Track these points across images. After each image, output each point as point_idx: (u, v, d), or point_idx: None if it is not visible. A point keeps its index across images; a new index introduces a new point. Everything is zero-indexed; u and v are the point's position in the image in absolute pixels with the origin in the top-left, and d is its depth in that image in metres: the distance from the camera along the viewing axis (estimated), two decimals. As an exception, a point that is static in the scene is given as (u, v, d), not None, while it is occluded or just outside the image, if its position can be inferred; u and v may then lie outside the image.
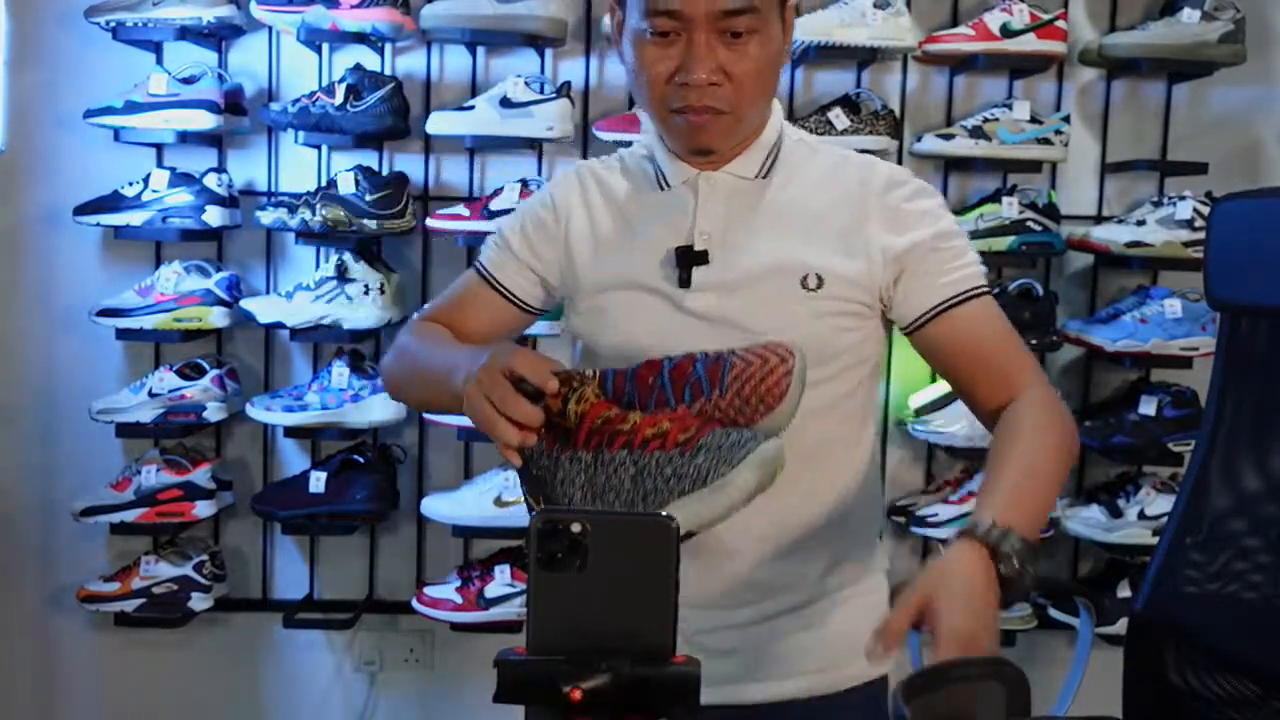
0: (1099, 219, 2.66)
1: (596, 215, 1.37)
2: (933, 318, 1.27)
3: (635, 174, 1.38)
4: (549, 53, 2.58)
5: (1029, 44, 2.49)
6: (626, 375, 1.10)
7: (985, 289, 1.29)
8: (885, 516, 2.59)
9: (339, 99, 2.42)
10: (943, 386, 2.60)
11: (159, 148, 2.56)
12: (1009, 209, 2.51)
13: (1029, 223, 2.51)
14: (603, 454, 0.98)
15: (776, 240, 1.28)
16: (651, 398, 1.07)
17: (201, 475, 2.49)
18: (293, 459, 2.66)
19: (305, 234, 2.47)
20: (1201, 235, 2.12)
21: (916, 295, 1.27)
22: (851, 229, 1.28)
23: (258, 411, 2.46)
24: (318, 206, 2.41)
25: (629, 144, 2.67)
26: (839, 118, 2.48)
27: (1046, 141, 2.53)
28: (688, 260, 1.28)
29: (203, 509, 2.49)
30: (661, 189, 1.34)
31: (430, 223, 2.47)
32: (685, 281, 1.28)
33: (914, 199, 1.30)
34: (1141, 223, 2.51)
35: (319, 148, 2.57)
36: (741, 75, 1.22)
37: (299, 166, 2.60)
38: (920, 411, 2.57)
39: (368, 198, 2.43)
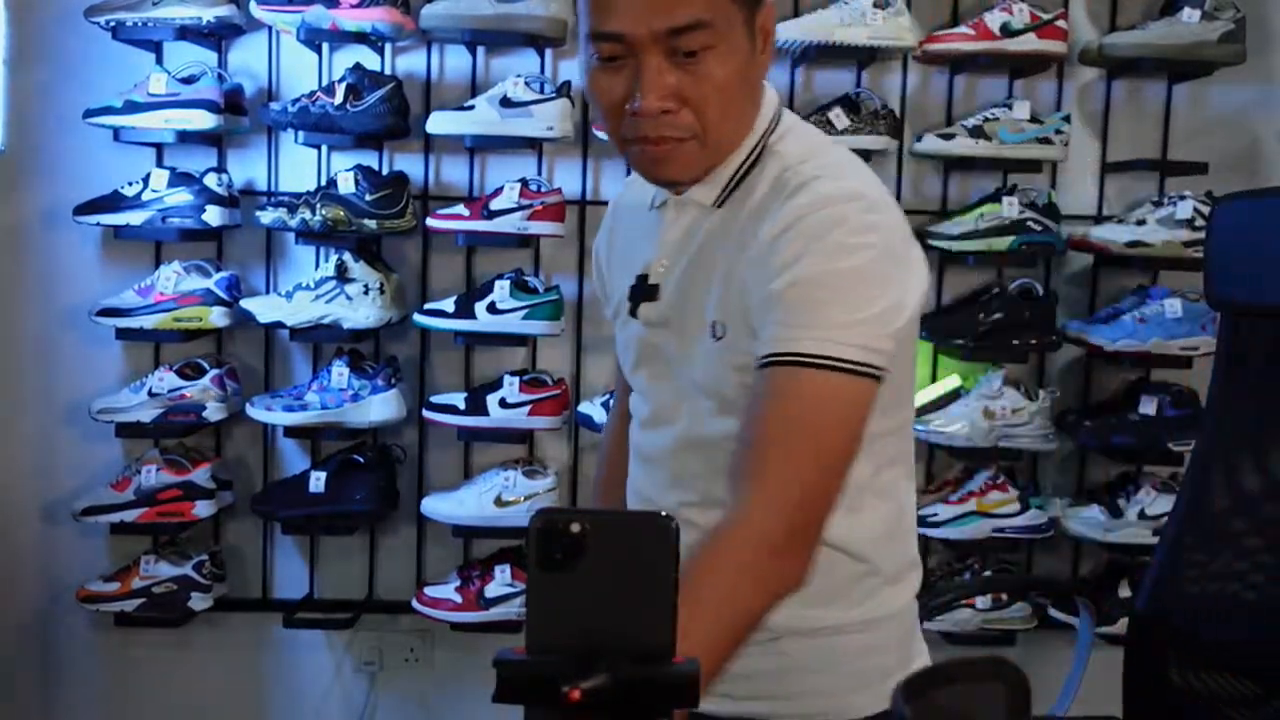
0: (1099, 219, 2.66)
1: (616, 233, 1.36)
2: (759, 367, 1.08)
3: (644, 187, 1.28)
4: (549, 52, 2.58)
5: (1029, 44, 2.49)
6: None
7: (812, 360, 1.04)
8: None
9: (339, 99, 2.42)
10: (942, 387, 2.60)
11: (159, 147, 2.56)
12: (1009, 209, 2.51)
13: (1029, 222, 2.51)
14: None
15: (709, 280, 1.17)
16: None
17: (201, 475, 2.49)
18: (293, 459, 2.66)
19: (305, 234, 2.47)
20: (1201, 235, 2.12)
21: (758, 342, 1.10)
22: (758, 267, 1.11)
23: (258, 411, 2.46)
24: (318, 206, 2.41)
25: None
26: (839, 117, 2.48)
27: (1046, 141, 2.53)
28: (639, 291, 1.25)
29: (203, 509, 2.49)
30: (651, 207, 1.28)
31: (430, 222, 2.47)
32: (634, 312, 1.26)
33: (805, 231, 1.08)
34: (1141, 222, 2.52)
35: (319, 147, 2.57)
36: (700, 98, 1.10)
37: (299, 166, 2.59)
38: (920, 411, 2.57)
39: (368, 197, 2.43)
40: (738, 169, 1.17)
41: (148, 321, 2.45)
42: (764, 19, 1.14)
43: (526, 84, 2.43)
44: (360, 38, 2.44)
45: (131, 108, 2.42)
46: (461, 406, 2.48)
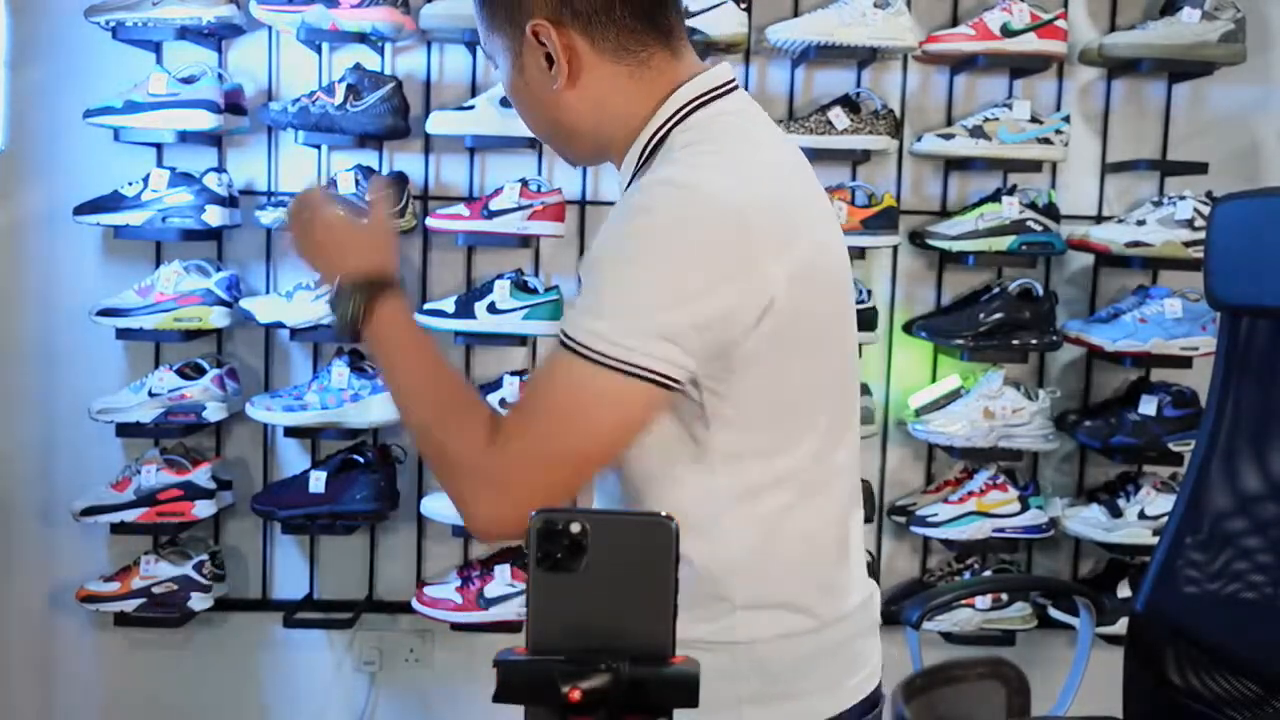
0: (1099, 219, 2.66)
1: None
2: None
3: None
4: (549, 52, 2.57)
5: (1029, 44, 2.49)
6: None
7: (571, 344, 1.00)
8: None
9: (339, 99, 2.42)
10: (942, 387, 2.60)
11: (159, 147, 2.56)
12: (1009, 209, 2.51)
13: (1029, 222, 2.51)
14: None
15: None
16: None
17: (201, 475, 2.49)
18: (293, 459, 2.66)
19: (305, 234, 2.46)
20: (1201, 235, 2.13)
21: None
22: None
23: (258, 411, 2.46)
24: (318, 206, 2.41)
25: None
26: (839, 117, 2.48)
27: (1046, 141, 2.53)
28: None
29: (203, 509, 2.48)
30: None
31: (430, 222, 2.47)
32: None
33: (617, 211, 1.07)
34: (1141, 222, 2.52)
35: (319, 147, 2.57)
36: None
37: (299, 166, 2.59)
38: (920, 411, 2.57)
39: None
40: (640, 155, 1.13)
41: (148, 322, 2.44)
42: (565, 42, 1.10)
43: (526, 84, 2.43)
44: (360, 38, 2.44)
45: (131, 108, 2.42)
46: (461, 406, 2.47)
